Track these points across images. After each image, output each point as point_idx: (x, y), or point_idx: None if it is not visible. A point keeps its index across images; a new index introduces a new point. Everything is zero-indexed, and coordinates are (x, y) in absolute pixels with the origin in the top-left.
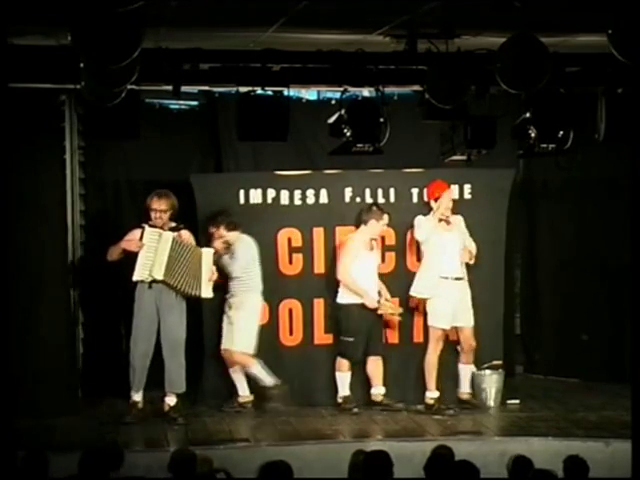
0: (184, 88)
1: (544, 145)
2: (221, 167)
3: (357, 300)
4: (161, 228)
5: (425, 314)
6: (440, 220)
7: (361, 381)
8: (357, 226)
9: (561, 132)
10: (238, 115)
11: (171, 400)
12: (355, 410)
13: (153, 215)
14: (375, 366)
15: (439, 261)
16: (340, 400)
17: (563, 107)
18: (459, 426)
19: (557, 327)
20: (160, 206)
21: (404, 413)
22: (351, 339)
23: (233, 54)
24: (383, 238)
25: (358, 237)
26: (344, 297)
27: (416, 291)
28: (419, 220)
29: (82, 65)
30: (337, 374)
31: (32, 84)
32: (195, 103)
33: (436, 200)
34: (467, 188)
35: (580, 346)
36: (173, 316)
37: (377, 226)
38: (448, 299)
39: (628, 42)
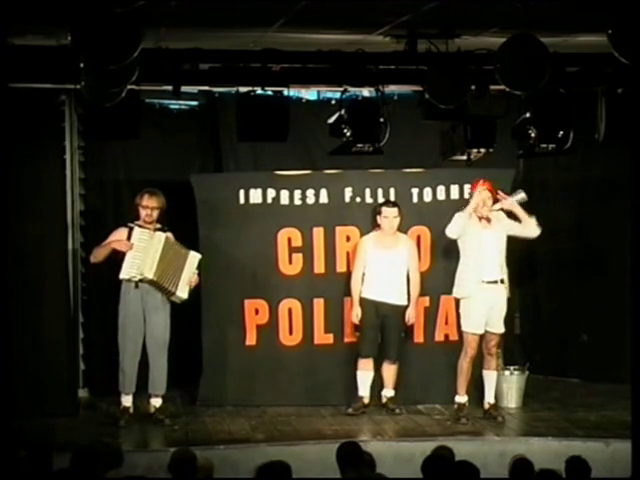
0: (184, 88)
1: (544, 145)
2: (221, 167)
3: (368, 296)
4: (149, 225)
5: (458, 316)
6: (480, 219)
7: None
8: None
9: (561, 132)
10: (238, 115)
11: (156, 402)
12: (350, 411)
13: (144, 212)
14: (387, 370)
15: (478, 263)
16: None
17: (563, 107)
18: (459, 426)
19: (557, 327)
20: (151, 203)
21: (404, 413)
22: (358, 333)
23: (233, 54)
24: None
25: (364, 238)
26: (362, 291)
27: (458, 293)
28: (456, 216)
29: (82, 65)
30: (357, 373)
31: (32, 84)
32: (195, 103)
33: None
34: (467, 188)
35: (580, 346)
36: (158, 317)
37: (380, 221)
38: (482, 303)
39: (628, 42)
